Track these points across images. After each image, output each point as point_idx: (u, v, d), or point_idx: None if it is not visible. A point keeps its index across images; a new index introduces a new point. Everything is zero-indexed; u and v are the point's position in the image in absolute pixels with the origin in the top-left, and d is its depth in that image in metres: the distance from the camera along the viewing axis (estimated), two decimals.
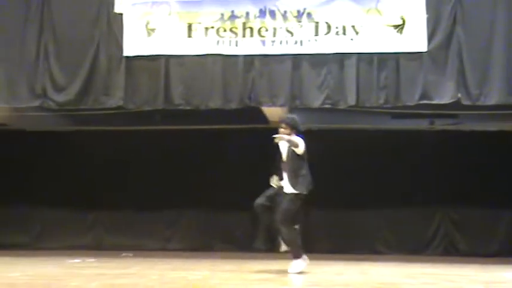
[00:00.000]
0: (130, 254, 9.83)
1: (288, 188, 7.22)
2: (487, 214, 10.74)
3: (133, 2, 8.67)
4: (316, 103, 8.58)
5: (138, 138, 11.09)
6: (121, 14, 8.68)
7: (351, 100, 8.45)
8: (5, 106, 9.27)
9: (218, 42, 8.59)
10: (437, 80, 8.29)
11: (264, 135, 10.98)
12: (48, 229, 11.26)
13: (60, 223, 11.21)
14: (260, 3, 8.53)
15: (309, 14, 8.44)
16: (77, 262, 8.35)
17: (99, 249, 10.80)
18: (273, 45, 8.53)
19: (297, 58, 8.53)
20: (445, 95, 8.31)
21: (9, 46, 8.84)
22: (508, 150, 10.61)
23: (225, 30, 8.56)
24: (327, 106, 8.62)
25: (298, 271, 7.09)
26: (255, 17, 8.52)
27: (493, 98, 8.24)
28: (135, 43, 8.64)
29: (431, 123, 10.91)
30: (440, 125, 10.93)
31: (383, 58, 8.39)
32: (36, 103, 8.90)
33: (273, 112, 9.91)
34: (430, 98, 8.35)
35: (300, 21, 8.45)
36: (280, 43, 8.52)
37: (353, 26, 8.38)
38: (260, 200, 7.24)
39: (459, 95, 8.28)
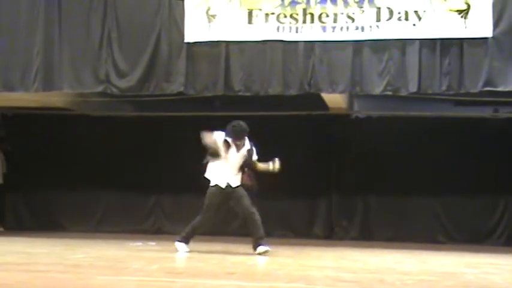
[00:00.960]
0: None
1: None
2: None
3: None
4: (377, 90, 8.50)
5: (198, 124, 11.18)
6: (182, 1, 8.78)
7: (413, 87, 8.35)
8: (70, 91, 9.53)
9: (278, 28, 8.61)
10: (503, 66, 8.10)
11: (323, 122, 11.08)
12: (109, 213, 11.52)
13: (121, 207, 11.45)
14: None
15: (370, 0, 8.36)
16: (139, 245, 8.54)
17: (159, 233, 11.01)
18: (333, 31, 8.49)
19: (357, 44, 8.47)
20: (510, 82, 8.11)
21: (74, 34, 9.07)
22: None
23: (285, 17, 8.57)
24: (388, 93, 8.55)
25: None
26: (316, 2, 8.48)
27: None
28: (195, 29, 8.74)
29: (496, 111, 10.68)
30: (504, 112, 10.69)
31: (446, 44, 8.25)
32: (100, 89, 9.11)
33: (332, 98, 9.88)
34: (494, 85, 8.17)
35: (361, 7, 8.38)
36: (341, 29, 8.47)
37: (416, 12, 8.26)
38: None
39: None
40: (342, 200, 11.03)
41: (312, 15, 8.50)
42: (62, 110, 11.29)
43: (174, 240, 8.66)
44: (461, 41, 8.21)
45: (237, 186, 7.63)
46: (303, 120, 10.99)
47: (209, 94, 8.99)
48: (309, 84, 8.59)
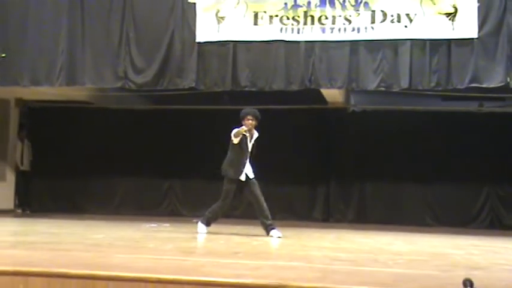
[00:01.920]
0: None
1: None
2: None
3: None
4: (372, 86, 8.53)
5: (208, 117, 11.24)
6: (194, 4, 8.80)
7: (404, 83, 8.37)
8: (92, 86, 9.56)
9: (282, 29, 8.62)
10: (487, 65, 8.12)
11: (323, 115, 11.10)
12: (127, 198, 11.57)
13: (138, 193, 11.50)
14: None
15: (366, 3, 8.37)
16: (153, 227, 8.59)
17: (172, 215, 11.07)
18: (332, 32, 8.51)
19: (354, 44, 8.49)
20: (494, 79, 8.13)
21: (96, 34, 9.11)
22: None
23: (288, 19, 8.58)
24: (381, 89, 8.58)
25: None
26: (316, 6, 8.50)
27: None
28: (206, 30, 8.77)
29: (480, 105, 10.68)
30: (488, 107, 10.69)
31: (435, 44, 8.27)
32: (119, 84, 9.15)
33: (331, 94, 9.91)
34: (479, 82, 8.19)
35: (357, 10, 8.39)
36: (339, 30, 8.48)
37: (407, 14, 8.27)
38: None
39: (508, 79, 8.08)
40: (339, 186, 11.07)
41: (312, 17, 8.52)
42: (83, 103, 11.34)
43: (186, 222, 8.71)
44: (449, 41, 8.23)
45: (253, 178, 7.41)
46: (304, 113, 11.02)
47: (218, 89, 9.03)
48: (310, 81, 8.62)
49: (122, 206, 11.52)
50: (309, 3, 8.51)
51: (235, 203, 8.01)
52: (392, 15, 8.31)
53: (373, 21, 8.39)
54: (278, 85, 8.72)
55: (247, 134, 7.40)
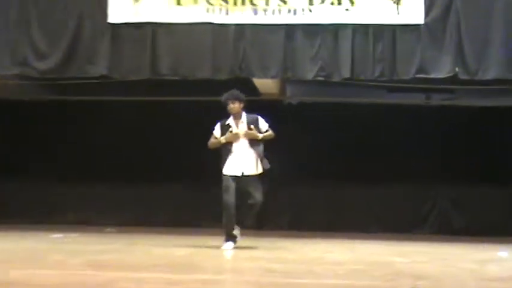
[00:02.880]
0: (114, 230, 9.91)
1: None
2: (483, 192, 10.87)
3: None
4: (309, 75, 8.65)
5: (122, 109, 11.08)
6: None
7: (345, 72, 8.53)
8: None
9: (208, 10, 8.61)
10: (435, 53, 8.37)
11: (254, 108, 11.13)
12: (29, 204, 11.27)
13: (41, 197, 11.24)
14: None
15: None
16: (59, 237, 8.42)
17: (82, 223, 10.87)
18: (265, 14, 8.56)
19: (290, 28, 8.58)
20: (442, 69, 8.39)
21: None
22: (506, 127, 10.70)
23: None
24: (320, 78, 8.70)
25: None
26: None
27: (492, 72, 8.34)
28: (120, 10, 8.66)
29: (428, 98, 10.97)
30: (437, 100, 11.01)
31: (379, 30, 8.46)
32: (16, 71, 8.91)
33: (263, 84, 9.96)
34: (426, 72, 8.44)
35: None
36: (273, 12, 8.54)
37: None
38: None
39: (457, 69, 8.37)
40: (272, 190, 11.13)
41: None
42: None
43: (97, 232, 8.58)
44: (393, 27, 8.44)
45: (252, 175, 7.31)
46: None
47: (134, 78, 8.93)
48: (240, 69, 8.66)
49: (22, 213, 11.21)
50: None
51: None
52: None
53: (311, 3, 8.49)
54: (204, 73, 8.72)
55: (232, 124, 7.41)
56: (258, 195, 7.24)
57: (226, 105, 7.44)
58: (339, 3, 8.44)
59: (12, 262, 5.63)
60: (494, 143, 10.81)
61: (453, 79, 8.58)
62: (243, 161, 7.35)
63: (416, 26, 8.36)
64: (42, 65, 8.81)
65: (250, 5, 8.56)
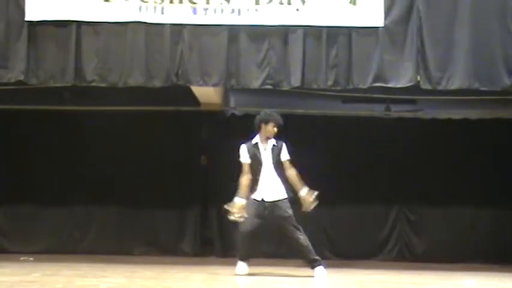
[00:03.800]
0: (31, 258, 9.73)
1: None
2: (447, 214, 11.07)
3: None
4: (256, 83, 8.67)
5: (41, 120, 10.93)
6: None
7: (296, 80, 8.58)
8: None
9: (141, 8, 8.57)
10: (394, 59, 8.47)
11: (193, 119, 11.13)
12: None
13: None
14: None
15: None
16: None
17: None
18: (205, 13, 8.56)
19: (233, 30, 8.59)
20: (403, 78, 8.50)
21: None
22: (472, 142, 10.92)
23: None
24: (267, 87, 8.72)
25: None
26: None
27: (457, 81, 8.48)
28: (39, 6, 8.54)
29: (387, 109, 11.14)
30: (397, 111, 11.19)
31: (333, 33, 8.53)
32: None
33: (204, 92, 9.95)
34: (385, 81, 8.54)
35: None
36: (215, 11, 8.55)
37: None
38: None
39: (418, 77, 8.50)
40: (216, 212, 11.11)
41: None
42: None
43: (11, 260, 8.40)
44: (349, 30, 8.52)
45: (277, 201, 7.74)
46: (170, 117, 10.98)
47: (56, 84, 8.82)
48: (177, 75, 8.61)
49: None
50: None
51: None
52: None
53: (257, 2, 8.52)
54: (136, 80, 8.65)
55: (260, 146, 7.89)
56: None
57: (265, 123, 7.84)
58: (289, 3, 8.50)
59: None
60: (456, 159, 11.00)
61: (415, 88, 8.70)
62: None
63: (374, 29, 8.48)
64: None
65: (189, 3, 8.55)
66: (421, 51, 8.46)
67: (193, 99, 10.39)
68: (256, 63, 8.62)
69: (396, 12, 8.47)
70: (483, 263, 10.55)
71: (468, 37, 8.43)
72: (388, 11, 8.47)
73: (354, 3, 8.48)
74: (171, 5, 8.56)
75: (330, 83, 8.59)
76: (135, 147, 10.91)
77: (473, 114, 11.04)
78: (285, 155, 7.93)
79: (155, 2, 8.56)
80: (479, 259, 10.76)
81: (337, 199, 10.83)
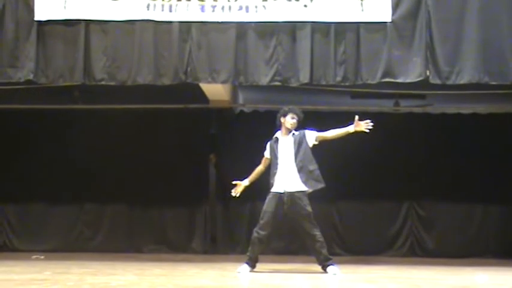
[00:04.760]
0: (42, 257, 9.77)
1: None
2: (458, 210, 11.06)
3: None
4: (264, 80, 8.67)
5: (51, 119, 10.98)
6: None
7: (304, 77, 8.57)
8: None
9: (148, 6, 8.58)
10: (403, 55, 8.46)
11: (202, 116, 11.14)
12: None
13: None
14: None
15: None
16: None
17: (4, 250, 10.73)
18: (213, 11, 8.57)
19: (241, 27, 8.59)
20: (412, 73, 8.49)
21: None
22: (482, 137, 10.90)
23: None
24: (276, 83, 8.72)
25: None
26: None
27: (466, 76, 8.46)
28: (48, 6, 8.57)
29: (396, 104, 11.12)
30: (406, 106, 11.16)
31: (341, 29, 8.53)
32: None
33: (212, 90, 9.96)
34: (394, 76, 8.52)
35: None
36: (222, 9, 8.56)
37: None
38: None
39: (427, 72, 8.48)
40: (225, 209, 11.13)
41: None
42: None
43: (23, 259, 8.42)
44: (357, 25, 8.52)
45: (296, 192, 7.72)
46: (179, 114, 11.00)
47: (65, 83, 8.84)
48: (185, 73, 8.62)
49: None
50: None
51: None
52: None
53: None
54: (144, 78, 8.67)
55: (280, 139, 7.86)
56: None
57: (285, 115, 7.80)
58: (297, 0, 8.50)
59: None
60: (467, 155, 10.97)
61: (424, 83, 8.69)
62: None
63: (382, 25, 8.47)
64: None
65: (197, 1, 8.56)
66: (430, 46, 8.44)
67: (202, 97, 10.40)
68: (265, 60, 8.62)
69: (404, 7, 8.46)
70: (493, 258, 10.54)
71: (477, 31, 8.42)
72: (395, 6, 8.46)
73: None
74: (179, 2, 8.57)
75: (338, 79, 8.59)
76: (145, 145, 10.96)
77: (482, 108, 11.02)
78: (311, 136, 7.93)
79: (163, 0, 8.58)
80: (490, 254, 10.77)
81: (346, 195, 10.84)
